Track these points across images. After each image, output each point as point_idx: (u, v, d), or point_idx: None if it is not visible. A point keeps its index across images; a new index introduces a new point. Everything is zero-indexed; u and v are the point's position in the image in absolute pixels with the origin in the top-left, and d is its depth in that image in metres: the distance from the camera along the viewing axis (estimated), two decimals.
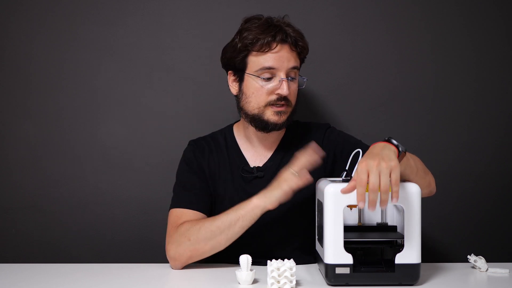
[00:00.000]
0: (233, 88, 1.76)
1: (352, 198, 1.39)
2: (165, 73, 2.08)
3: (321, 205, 1.48)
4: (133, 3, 2.08)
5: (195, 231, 1.61)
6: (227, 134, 1.83)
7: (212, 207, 1.76)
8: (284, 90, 1.67)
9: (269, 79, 1.68)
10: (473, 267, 1.62)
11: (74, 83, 2.07)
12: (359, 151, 1.53)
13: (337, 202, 1.40)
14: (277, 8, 2.06)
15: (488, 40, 2.08)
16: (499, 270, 1.57)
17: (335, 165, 1.75)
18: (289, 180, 1.57)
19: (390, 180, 1.32)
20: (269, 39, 1.66)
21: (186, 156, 1.81)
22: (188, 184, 1.75)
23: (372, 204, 1.32)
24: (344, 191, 1.36)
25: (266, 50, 1.67)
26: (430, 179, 1.60)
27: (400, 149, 1.39)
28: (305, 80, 1.74)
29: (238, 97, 1.75)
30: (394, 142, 1.40)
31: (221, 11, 2.06)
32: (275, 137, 1.79)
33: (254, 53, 1.68)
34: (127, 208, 2.08)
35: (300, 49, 1.70)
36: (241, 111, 1.75)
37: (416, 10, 2.08)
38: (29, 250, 2.08)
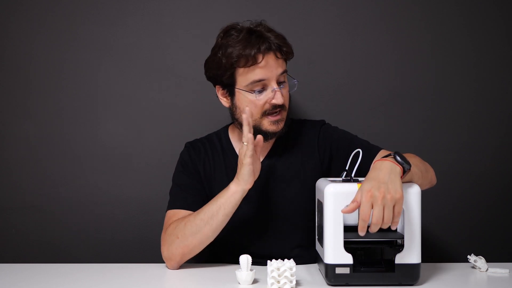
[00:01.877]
0: (224, 101, 1.74)
1: (352, 198, 1.39)
2: (165, 73, 2.08)
3: (321, 205, 1.48)
4: (133, 3, 2.08)
5: (181, 228, 1.62)
6: (222, 136, 1.83)
7: None
8: (278, 99, 1.66)
9: (261, 91, 1.66)
10: (473, 267, 1.62)
11: (74, 83, 2.08)
12: (359, 151, 1.53)
13: (337, 202, 1.40)
14: (277, 8, 2.07)
15: (488, 40, 2.08)
16: (499, 270, 1.57)
17: (332, 162, 1.75)
18: (243, 152, 1.58)
19: (393, 211, 1.33)
20: (254, 51, 1.62)
21: (182, 158, 1.81)
22: (183, 185, 1.76)
23: (372, 232, 1.34)
24: (345, 211, 1.36)
25: (253, 64, 1.64)
26: (432, 176, 1.60)
27: (405, 168, 1.38)
28: (295, 82, 1.72)
29: (231, 110, 1.73)
30: (399, 160, 1.39)
31: (221, 11, 2.06)
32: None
33: (241, 69, 1.65)
34: (127, 208, 2.08)
35: (285, 54, 1.68)
36: (236, 122, 1.74)
37: (416, 10, 2.08)
38: (29, 250, 2.08)
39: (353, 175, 1.50)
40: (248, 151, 1.57)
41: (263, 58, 1.63)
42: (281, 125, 1.70)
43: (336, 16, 2.08)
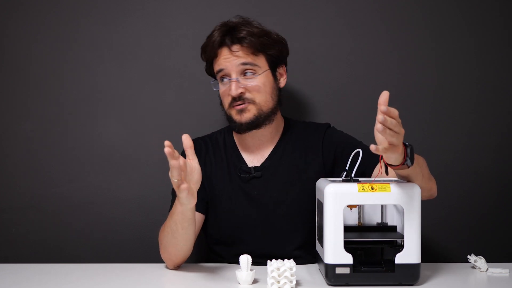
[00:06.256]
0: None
1: (352, 199, 1.39)
2: (165, 73, 2.08)
3: (321, 205, 1.48)
4: (133, 3, 2.08)
5: (161, 236, 1.63)
6: (226, 134, 1.83)
7: (209, 207, 1.76)
8: (232, 91, 1.68)
9: (226, 82, 1.71)
10: (473, 267, 1.62)
11: (74, 83, 2.08)
12: (359, 151, 1.53)
13: (337, 202, 1.40)
14: (277, 8, 2.07)
15: (488, 41, 2.08)
16: (499, 270, 1.57)
17: (335, 166, 1.75)
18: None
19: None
20: (211, 44, 1.71)
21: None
22: None
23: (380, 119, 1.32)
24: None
25: (214, 57, 1.72)
26: (432, 185, 1.59)
27: (406, 162, 1.37)
28: (211, 82, 1.75)
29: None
30: (408, 152, 1.37)
31: (221, 10, 2.06)
32: (272, 136, 1.78)
33: (214, 60, 1.73)
34: (127, 208, 2.08)
35: (249, 47, 1.69)
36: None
37: (416, 10, 2.08)
38: (29, 250, 2.07)
39: (353, 175, 1.50)
40: (173, 178, 1.44)
41: (219, 49, 1.71)
42: (246, 116, 1.70)
43: (336, 16, 2.08)
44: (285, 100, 2.02)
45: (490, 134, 2.09)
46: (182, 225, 1.55)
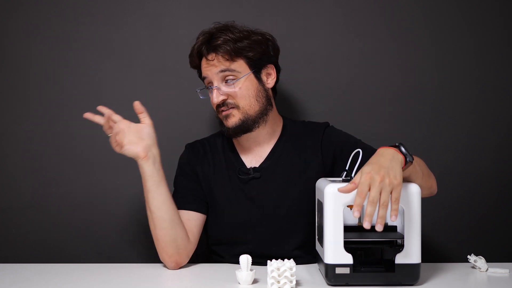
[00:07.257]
0: None
1: (352, 198, 1.39)
2: (165, 73, 2.08)
3: (321, 205, 1.48)
4: (133, 3, 2.08)
5: (152, 230, 1.66)
6: (224, 136, 1.83)
7: (208, 208, 1.76)
8: (213, 99, 1.71)
9: (210, 89, 1.73)
10: (473, 267, 1.62)
11: (74, 83, 2.08)
12: (359, 151, 1.53)
13: (337, 202, 1.40)
14: (277, 8, 2.07)
15: (488, 41, 2.08)
16: (499, 270, 1.58)
17: (335, 165, 1.74)
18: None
19: (391, 197, 1.32)
20: (192, 55, 1.75)
21: (180, 160, 1.84)
22: (181, 187, 1.77)
23: (368, 217, 1.31)
24: (342, 191, 1.35)
25: (198, 66, 1.76)
26: (432, 182, 1.60)
27: (407, 159, 1.39)
28: (198, 91, 1.77)
29: None
30: (403, 150, 1.39)
31: (222, 11, 2.06)
32: (269, 137, 1.78)
33: (199, 68, 1.77)
34: (128, 208, 2.08)
35: (222, 53, 1.68)
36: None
37: (417, 10, 2.08)
38: (29, 250, 2.07)
39: (353, 175, 1.50)
40: (112, 142, 1.60)
41: (200, 59, 1.74)
42: (232, 120, 1.71)
43: (336, 16, 2.08)
44: (285, 100, 2.03)
45: (490, 134, 2.09)
46: (152, 182, 1.63)
